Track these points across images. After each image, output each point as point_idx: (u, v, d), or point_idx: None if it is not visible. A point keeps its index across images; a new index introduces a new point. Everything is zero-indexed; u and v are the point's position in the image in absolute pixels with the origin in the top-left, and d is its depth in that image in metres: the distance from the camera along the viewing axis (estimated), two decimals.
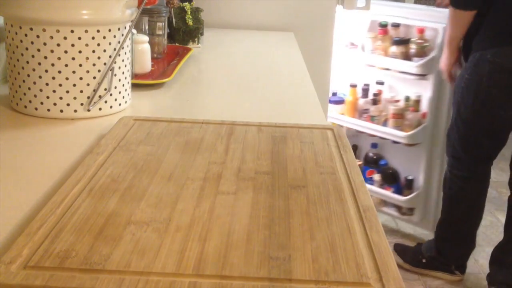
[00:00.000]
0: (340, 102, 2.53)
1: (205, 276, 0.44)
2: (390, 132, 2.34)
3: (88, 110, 0.89)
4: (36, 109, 0.89)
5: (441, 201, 2.09)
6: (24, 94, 0.89)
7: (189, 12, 1.58)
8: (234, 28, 2.02)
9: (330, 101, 2.48)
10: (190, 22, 1.57)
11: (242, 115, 0.96)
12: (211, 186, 0.61)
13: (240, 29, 2.01)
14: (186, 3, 1.61)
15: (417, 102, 2.32)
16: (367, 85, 2.44)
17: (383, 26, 2.35)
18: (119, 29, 0.91)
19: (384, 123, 2.38)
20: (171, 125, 0.80)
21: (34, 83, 0.87)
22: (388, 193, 2.43)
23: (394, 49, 2.31)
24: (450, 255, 2.08)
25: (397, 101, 2.36)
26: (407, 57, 2.30)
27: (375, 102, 2.40)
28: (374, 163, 2.53)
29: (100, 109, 0.91)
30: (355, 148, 2.60)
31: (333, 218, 0.55)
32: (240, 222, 0.53)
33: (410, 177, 2.42)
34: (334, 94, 2.57)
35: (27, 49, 0.86)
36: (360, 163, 2.54)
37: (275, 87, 1.21)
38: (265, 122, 0.83)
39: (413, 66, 2.25)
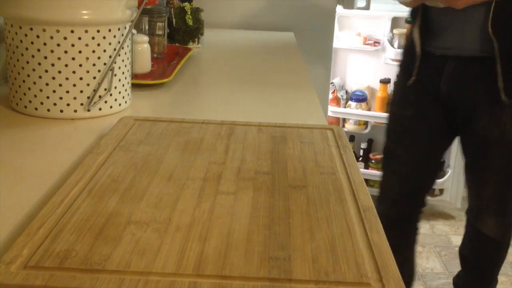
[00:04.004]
0: (363, 99, 2.62)
1: (205, 276, 0.44)
2: None
3: (88, 110, 0.89)
4: (36, 109, 0.89)
5: None
6: (24, 94, 0.89)
7: (189, 12, 1.58)
8: (234, 28, 2.02)
9: (352, 99, 2.56)
10: (190, 22, 1.57)
11: (242, 115, 0.96)
12: (211, 186, 0.61)
13: (240, 29, 2.02)
14: (186, 3, 1.61)
15: None
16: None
17: (410, 22, 2.46)
18: (119, 29, 0.91)
19: None
20: (171, 125, 0.80)
21: (34, 83, 0.87)
22: None
23: None
24: None
25: None
26: None
27: None
28: None
29: (100, 109, 0.91)
30: (371, 142, 2.72)
31: (333, 218, 0.55)
32: (240, 222, 0.53)
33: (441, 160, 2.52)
34: (355, 92, 2.63)
35: (27, 49, 0.86)
36: (381, 156, 2.65)
37: (275, 87, 1.21)
38: (265, 122, 0.83)
39: None
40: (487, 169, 1.41)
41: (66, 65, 0.86)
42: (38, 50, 0.85)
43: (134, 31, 1.14)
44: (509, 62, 1.26)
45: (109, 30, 0.89)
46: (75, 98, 0.88)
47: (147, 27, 1.34)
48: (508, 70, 1.26)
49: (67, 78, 0.87)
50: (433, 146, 1.51)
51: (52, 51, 0.85)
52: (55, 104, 0.88)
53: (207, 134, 0.77)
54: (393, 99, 1.58)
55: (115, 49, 0.90)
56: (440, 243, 2.41)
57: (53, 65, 0.86)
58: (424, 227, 2.53)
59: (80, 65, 0.87)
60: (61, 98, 0.88)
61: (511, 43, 1.26)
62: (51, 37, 0.85)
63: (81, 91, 0.88)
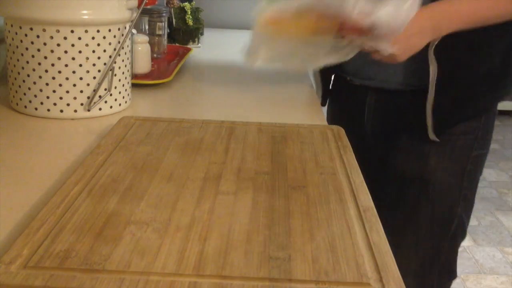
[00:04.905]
0: None
1: (205, 276, 0.44)
2: None
3: (88, 110, 0.89)
4: (36, 109, 0.89)
5: None
6: (24, 94, 0.89)
7: (189, 12, 1.58)
8: (234, 28, 2.02)
9: None
10: (190, 22, 1.57)
11: (242, 115, 0.96)
12: (211, 186, 0.61)
13: (240, 29, 2.01)
14: (186, 3, 1.61)
15: None
16: None
17: None
18: (119, 29, 0.91)
19: None
20: (171, 125, 0.80)
21: (34, 83, 0.87)
22: None
23: None
24: None
25: None
26: None
27: None
28: None
29: (100, 109, 0.91)
30: None
31: (333, 218, 0.55)
32: (240, 222, 0.53)
33: None
34: None
35: (27, 49, 0.86)
36: None
37: (275, 87, 1.21)
38: (265, 122, 0.83)
39: None
40: (405, 216, 1.11)
41: (66, 65, 0.86)
42: (38, 50, 0.85)
43: (134, 31, 1.14)
44: (445, 93, 0.99)
45: (109, 30, 0.89)
46: (75, 98, 0.88)
47: (147, 27, 1.34)
48: (441, 102, 0.99)
49: (67, 78, 0.87)
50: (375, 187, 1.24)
51: (52, 51, 0.85)
52: (55, 104, 0.88)
53: (207, 134, 0.77)
54: None
55: (115, 49, 0.90)
56: None
57: (53, 65, 0.86)
58: None
59: (80, 65, 0.87)
60: (61, 98, 0.88)
61: (455, 66, 0.99)
62: (51, 37, 0.85)
63: (81, 91, 0.88)
